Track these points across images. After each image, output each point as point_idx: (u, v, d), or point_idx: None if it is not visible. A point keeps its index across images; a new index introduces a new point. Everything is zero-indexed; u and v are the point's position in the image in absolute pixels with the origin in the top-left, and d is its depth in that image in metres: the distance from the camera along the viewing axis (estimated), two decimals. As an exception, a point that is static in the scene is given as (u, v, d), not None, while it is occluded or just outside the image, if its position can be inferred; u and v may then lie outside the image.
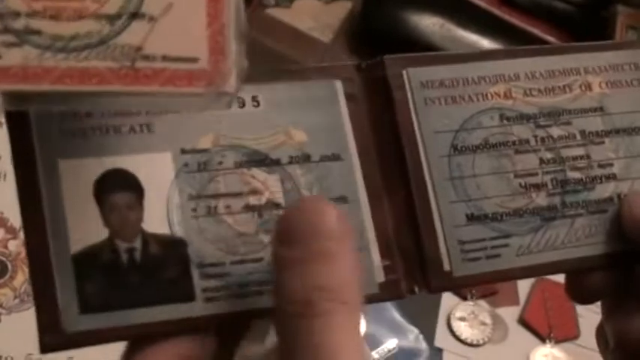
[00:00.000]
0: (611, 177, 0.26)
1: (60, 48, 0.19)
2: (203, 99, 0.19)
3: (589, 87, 0.26)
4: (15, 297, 0.42)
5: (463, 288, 0.51)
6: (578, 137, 0.25)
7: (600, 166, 0.26)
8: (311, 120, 0.23)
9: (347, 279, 0.20)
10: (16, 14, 0.19)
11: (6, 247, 0.44)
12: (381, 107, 0.24)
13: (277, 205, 0.22)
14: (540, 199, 0.25)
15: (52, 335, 0.20)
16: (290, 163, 0.23)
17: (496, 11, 0.62)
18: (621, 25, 0.63)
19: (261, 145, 0.23)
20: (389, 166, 0.24)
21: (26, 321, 0.40)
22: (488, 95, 0.25)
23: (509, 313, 0.57)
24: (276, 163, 0.23)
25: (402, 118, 0.24)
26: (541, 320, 0.57)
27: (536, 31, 0.63)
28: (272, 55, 0.57)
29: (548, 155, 0.25)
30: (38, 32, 0.19)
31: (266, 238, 0.22)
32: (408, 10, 0.59)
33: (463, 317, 0.55)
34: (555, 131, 0.25)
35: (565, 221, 0.25)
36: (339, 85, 0.24)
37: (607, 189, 0.25)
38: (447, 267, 0.23)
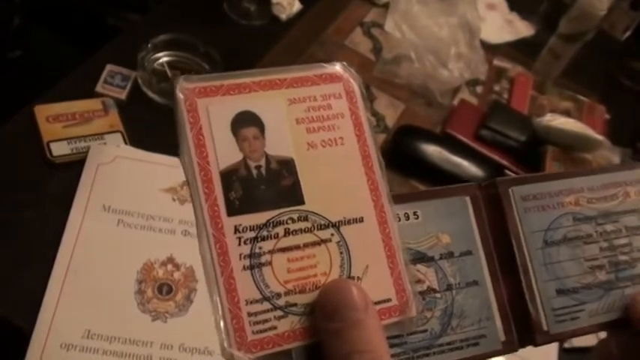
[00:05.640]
0: (647, 258, 0.34)
1: (310, 312, 0.26)
2: (399, 324, 0.27)
3: (628, 195, 0.35)
4: (175, 307, 0.67)
5: (557, 341, 0.64)
6: (624, 231, 0.34)
7: (639, 250, 0.34)
8: (452, 226, 0.31)
9: (375, 338, 0.25)
10: (278, 295, 0.25)
11: (172, 275, 0.68)
12: (496, 215, 0.32)
13: (434, 290, 0.30)
14: (602, 276, 0.33)
15: None
16: (440, 258, 0.30)
17: (472, 144, 0.95)
18: (549, 158, 0.91)
19: (421, 247, 0.30)
20: (503, 256, 0.31)
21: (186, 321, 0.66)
22: (565, 204, 0.33)
23: None
24: (432, 259, 0.30)
25: (511, 223, 0.32)
26: None
27: (496, 157, 0.94)
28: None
29: (605, 245, 0.33)
30: (295, 304, 0.25)
31: (429, 314, 0.30)
32: (419, 142, 0.90)
33: None
34: (609, 227, 0.34)
35: (618, 291, 0.33)
36: (468, 200, 0.31)
37: (644, 266, 0.34)
38: (545, 327, 0.31)
